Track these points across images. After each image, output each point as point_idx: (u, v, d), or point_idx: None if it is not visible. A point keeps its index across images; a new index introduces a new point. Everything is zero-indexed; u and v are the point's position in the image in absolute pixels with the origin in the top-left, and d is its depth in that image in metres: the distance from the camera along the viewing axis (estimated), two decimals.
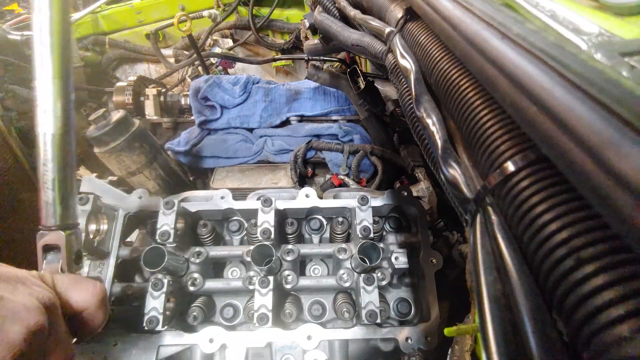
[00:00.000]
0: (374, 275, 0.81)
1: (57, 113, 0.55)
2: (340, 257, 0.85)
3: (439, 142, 0.48)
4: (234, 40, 2.84)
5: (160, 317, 0.78)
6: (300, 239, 0.99)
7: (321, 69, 1.43)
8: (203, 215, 0.97)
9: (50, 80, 0.54)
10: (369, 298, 0.78)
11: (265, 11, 2.63)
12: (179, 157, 1.53)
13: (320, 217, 1.00)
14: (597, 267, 0.24)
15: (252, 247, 0.81)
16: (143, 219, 1.00)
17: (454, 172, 0.44)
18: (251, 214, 0.94)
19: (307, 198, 0.93)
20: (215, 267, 0.97)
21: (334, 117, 1.59)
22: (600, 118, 0.23)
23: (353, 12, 0.84)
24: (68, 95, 0.56)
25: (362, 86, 1.25)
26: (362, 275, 0.80)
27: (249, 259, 0.85)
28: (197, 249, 0.89)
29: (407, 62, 0.60)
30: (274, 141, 1.49)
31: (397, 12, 0.68)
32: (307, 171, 1.45)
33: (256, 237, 0.86)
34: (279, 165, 1.50)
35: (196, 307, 0.86)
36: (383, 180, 1.34)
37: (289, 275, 0.86)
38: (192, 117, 1.61)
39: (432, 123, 0.50)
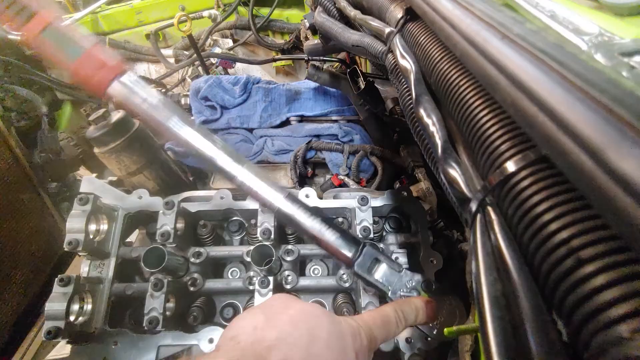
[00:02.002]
0: None
1: None
2: None
3: (439, 142, 0.48)
4: (234, 41, 2.84)
5: (160, 317, 0.78)
6: (300, 239, 0.99)
7: (321, 69, 1.43)
8: (203, 216, 0.97)
9: None
10: (369, 298, 0.78)
11: (265, 11, 2.63)
12: (179, 157, 1.53)
13: None
14: (597, 268, 0.24)
15: (252, 247, 0.81)
16: (143, 219, 1.00)
17: (454, 172, 0.44)
18: (251, 214, 0.94)
19: (307, 198, 0.93)
20: (215, 267, 0.97)
21: (334, 117, 1.59)
22: (600, 118, 0.23)
23: (353, 13, 0.84)
24: None
25: (362, 86, 1.25)
26: None
27: (249, 259, 0.85)
28: (197, 249, 0.89)
29: (407, 62, 0.60)
30: (274, 141, 1.49)
31: (397, 13, 0.68)
32: (307, 171, 1.45)
33: (256, 237, 0.86)
34: (279, 166, 1.50)
35: (196, 307, 0.86)
36: (383, 180, 1.34)
37: (289, 275, 0.86)
38: (192, 117, 1.61)
39: (432, 123, 0.50)
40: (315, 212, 0.68)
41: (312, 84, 1.61)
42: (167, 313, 0.79)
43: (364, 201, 0.87)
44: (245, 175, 0.68)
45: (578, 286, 0.25)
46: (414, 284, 0.67)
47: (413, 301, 0.61)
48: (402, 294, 0.66)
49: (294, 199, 0.68)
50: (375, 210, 0.91)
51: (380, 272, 0.67)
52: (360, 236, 0.83)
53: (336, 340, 0.45)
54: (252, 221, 0.93)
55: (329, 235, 0.67)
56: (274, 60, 2.07)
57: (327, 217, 0.72)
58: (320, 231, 0.67)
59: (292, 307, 0.48)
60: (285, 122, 1.58)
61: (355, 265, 0.67)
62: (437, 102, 0.54)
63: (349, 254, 0.67)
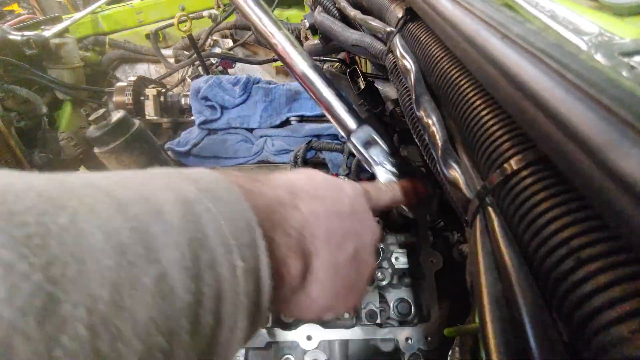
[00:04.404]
0: (374, 275, 0.81)
1: None
2: None
3: (439, 143, 0.48)
4: (234, 41, 2.84)
5: None
6: None
7: (321, 69, 1.43)
8: None
9: None
10: (369, 298, 0.78)
11: None
12: (179, 157, 1.53)
13: None
14: (597, 268, 0.24)
15: None
16: None
17: (454, 172, 0.44)
18: None
19: None
20: None
21: None
22: (600, 118, 0.23)
23: (353, 13, 0.84)
24: None
25: (362, 86, 1.25)
26: None
27: None
28: None
29: (407, 62, 0.60)
30: (274, 141, 1.49)
31: (397, 12, 0.68)
32: None
33: None
34: (279, 166, 1.50)
35: None
36: None
37: None
38: (192, 117, 1.61)
39: (432, 123, 0.50)
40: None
41: None
42: None
43: None
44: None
45: (578, 286, 0.24)
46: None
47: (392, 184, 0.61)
48: (385, 166, 0.71)
49: (317, 68, 0.81)
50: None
51: (375, 151, 0.73)
52: None
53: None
54: None
55: (339, 105, 0.76)
56: (274, 60, 2.07)
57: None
58: (332, 99, 0.77)
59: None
60: (286, 122, 1.58)
61: (352, 135, 0.72)
62: (437, 102, 0.54)
63: (352, 125, 0.74)
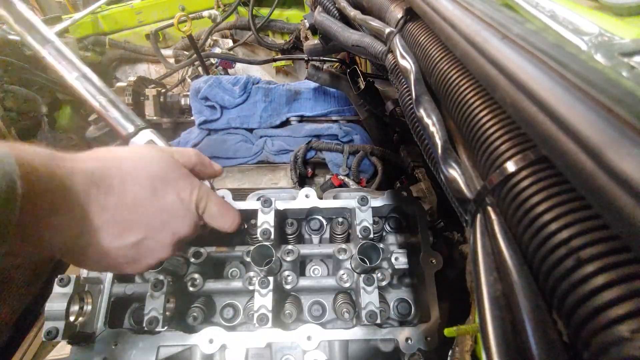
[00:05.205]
0: (374, 275, 0.81)
1: None
2: (340, 257, 0.85)
3: (439, 143, 0.48)
4: (234, 41, 2.84)
5: (160, 318, 0.78)
6: (300, 240, 0.99)
7: (321, 69, 1.43)
8: None
9: None
10: (369, 298, 0.78)
11: (265, 11, 2.63)
12: None
13: (320, 217, 1.00)
14: (597, 268, 0.24)
15: (252, 248, 0.81)
16: None
17: (454, 172, 0.44)
18: (251, 214, 0.94)
19: (307, 198, 0.93)
20: (215, 268, 0.97)
21: (334, 118, 1.59)
22: (600, 118, 0.23)
23: (353, 13, 0.84)
24: None
25: (362, 86, 1.25)
26: (362, 275, 0.80)
27: (248, 259, 0.85)
28: (197, 249, 0.89)
29: (407, 63, 0.60)
30: (274, 141, 1.49)
31: (397, 13, 0.68)
32: (307, 171, 1.45)
33: (256, 237, 0.86)
34: (279, 166, 1.50)
35: (196, 308, 0.86)
36: (383, 180, 1.34)
37: (288, 275, 0.86)
38: (192, 118, 1.61)
39: (432, 123, 0.50)
40: (104, 92, 0.91)
41: (312, 84, 1.61)
42: (167, 313, 0.79)
43: (363, 201, 0.87)
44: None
45: (578, 286, 0.24)
46: None
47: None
48: None
49: (87, 77, 0.89)
50: (375, 210, 0.91)
51: None
52: (360, 236, 0.83)
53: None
54: (252, 221, 0.93)
55: (114, 110, 0.87)
56: (274, 60, 2.07)
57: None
58: (106, 104, 0.88)
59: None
60: (285, 122, 1.58)
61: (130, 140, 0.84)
62: (437, 102, 0.54)
63: (128, 129, 0.86)
